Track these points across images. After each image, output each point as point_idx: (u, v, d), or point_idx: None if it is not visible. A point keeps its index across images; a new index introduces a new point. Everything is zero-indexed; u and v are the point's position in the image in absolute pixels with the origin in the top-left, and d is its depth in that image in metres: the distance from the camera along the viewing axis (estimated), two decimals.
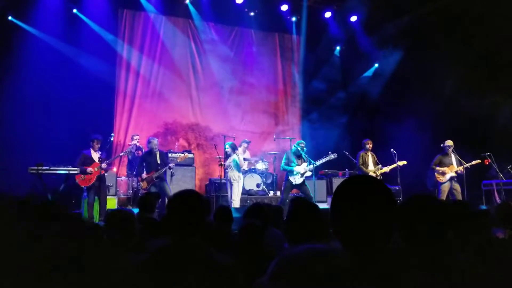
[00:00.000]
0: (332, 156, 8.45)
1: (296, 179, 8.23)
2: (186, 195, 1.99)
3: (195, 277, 1.73)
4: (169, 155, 8.96)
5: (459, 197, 8.08)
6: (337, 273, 0.93)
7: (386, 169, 8.74)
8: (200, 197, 2.00)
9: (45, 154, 8.01)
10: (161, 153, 8.32)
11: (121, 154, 8.64)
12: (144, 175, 8.09)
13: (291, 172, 8.27)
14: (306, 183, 8.33)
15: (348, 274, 0.94)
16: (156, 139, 8.57)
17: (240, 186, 8.56)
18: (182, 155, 8.88)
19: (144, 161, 8.23)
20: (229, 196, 8.52)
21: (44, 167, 7.64)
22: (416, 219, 1.69)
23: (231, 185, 8.42)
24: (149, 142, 8.34)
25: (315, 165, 8.33)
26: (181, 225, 1.88)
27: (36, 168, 7.56)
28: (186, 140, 11.25)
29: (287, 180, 8.33)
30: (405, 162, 8.71)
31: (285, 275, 0.94)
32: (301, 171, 8.23)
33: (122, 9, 10.84)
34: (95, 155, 7.81)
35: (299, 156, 8.38)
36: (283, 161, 8.43)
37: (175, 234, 1.88)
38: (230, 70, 11.73)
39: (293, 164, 8.28)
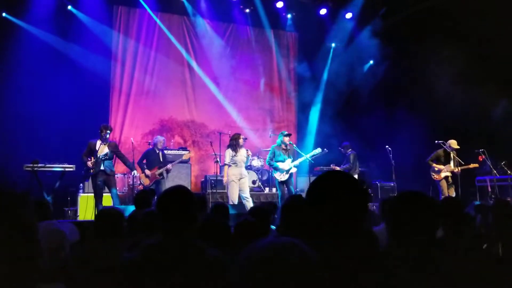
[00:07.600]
0: (317, 151, 8.36)
1: (281, 177, 8.02)
2: (175, 191, 1.95)
3: (185, 273, 1.74)
4: (165, 152, 8.94)
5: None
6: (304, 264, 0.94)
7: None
8: (191, 193, 1.97)
9: (40, 151, 7.98)
10: (163, 152, 8.40)
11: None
12: (147, 171, 8.11)
13: (276, 169, 8.09)
14: (291, 179, 8.15)
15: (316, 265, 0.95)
16: (163, 138, 8.60)
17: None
18: (187, 153, 8.92)
19: (146, 158, 8.23)
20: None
21: (39, 165, 7.59)
22: (405, 216, 1.70)
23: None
24: (155, 139, 8.43)
25: (300, 162, 8.22)
26: (171, 222, 1.87)
27: (31, 165, 7.52)
28: (182, 137, 11.24)
29: (274, 176, 8.21)
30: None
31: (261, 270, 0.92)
32: (285, 167, 8.01)
33: (117, 6, 10.80)
34: (103, 147, 7.50)
35: (285, 149, 8.12)
36: (268, 155, 8.19)
37: (165, 231, 1.86)
38: (226, 67, 11.72)
39: (280, 159, 8.03)
